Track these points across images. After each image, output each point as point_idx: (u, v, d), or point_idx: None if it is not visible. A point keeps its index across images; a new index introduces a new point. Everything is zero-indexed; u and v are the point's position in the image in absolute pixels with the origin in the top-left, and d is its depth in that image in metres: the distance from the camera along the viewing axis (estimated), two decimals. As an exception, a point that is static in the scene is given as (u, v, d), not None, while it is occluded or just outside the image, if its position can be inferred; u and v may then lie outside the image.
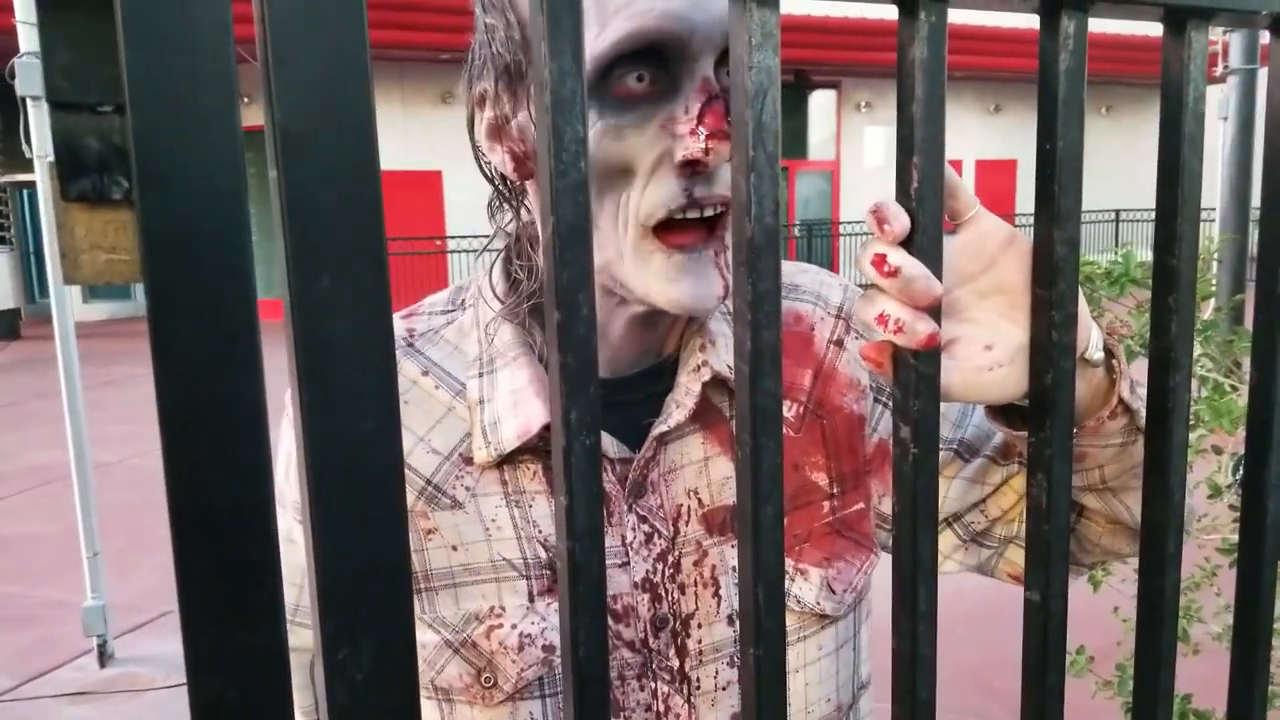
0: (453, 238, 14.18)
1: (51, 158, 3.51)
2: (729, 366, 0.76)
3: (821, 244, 16.49)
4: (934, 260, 0.43)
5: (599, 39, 0.62)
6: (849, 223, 16.32)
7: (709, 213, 0.66)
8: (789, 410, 0.79)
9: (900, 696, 0.45)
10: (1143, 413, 0.67)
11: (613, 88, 0.63)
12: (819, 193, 16.78)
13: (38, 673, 3.74)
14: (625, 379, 0.76)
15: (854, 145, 16.91)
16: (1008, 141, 17.12)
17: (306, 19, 0.30)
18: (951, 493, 0.80)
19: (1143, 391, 0.68)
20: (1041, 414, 0.47)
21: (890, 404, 0.84)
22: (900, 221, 0.43)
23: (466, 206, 13.98)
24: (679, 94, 0.64)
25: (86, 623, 3.78)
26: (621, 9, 0.61)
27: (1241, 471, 1.67)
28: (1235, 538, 1.88)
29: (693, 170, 0.64)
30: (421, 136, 13.90)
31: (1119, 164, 16.52)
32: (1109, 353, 0.58)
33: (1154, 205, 0.50)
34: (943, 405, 0.81)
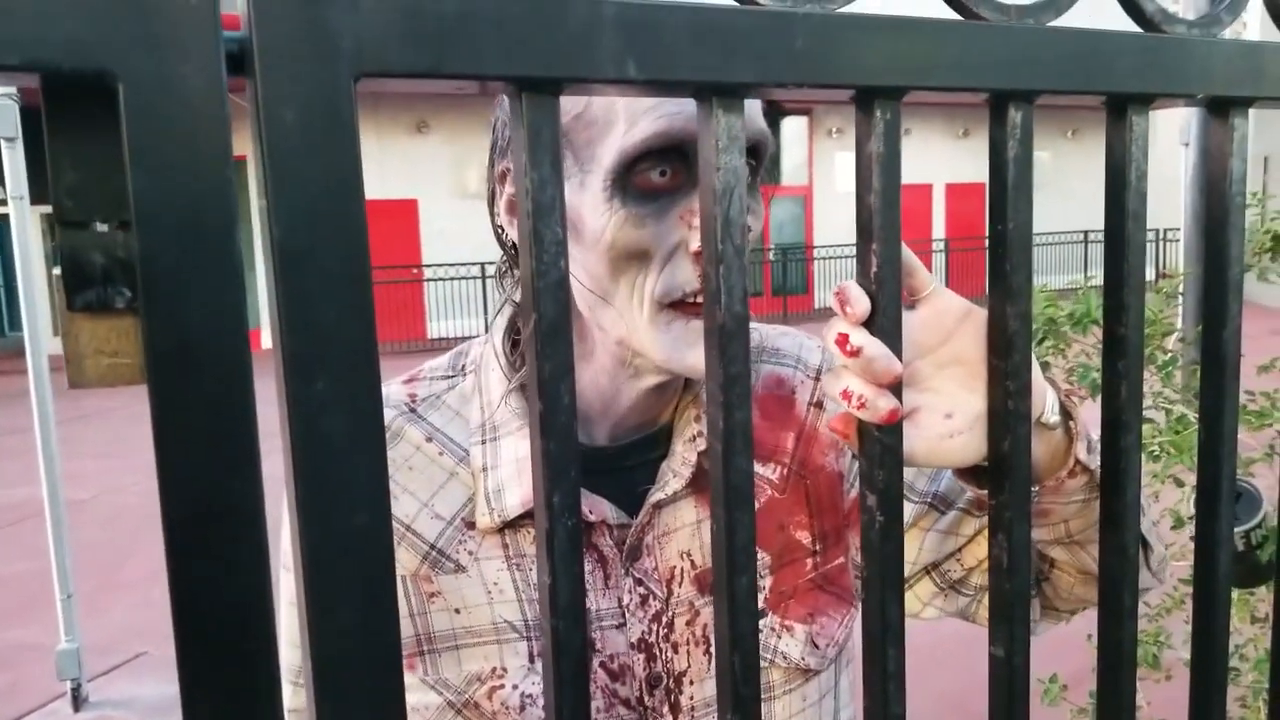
0: (429, 266, 14.18)
1: (27, 199, 3.51)
2: None
3: (796, 268, 16.62)
4: (894, 339, 0.46)
5: (628, 135, 0.67)
6: (822, 246, 16.46)
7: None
8: (773, 472, 0.82)
9: (871, 753, 0.47)
10: (1148, 534, 0.71)
11: (636, 179, 0.68)
12: (793, 217, 16.92)
13: (9, 719, 3.68)
14: (623, 447, 0.79)
15: (826, 170, 17.09)
16: (977, 165, 17.32)
17: (303, 144, 0.32)
18: (928, 543, 0.83)
19: (1150, 512, 0.71)
20: (1000, 478, 0.50)
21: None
22: (861, 304, 0.45)
23: (443, 235, 14.01)
24: (695, 188, 0.68)
25: (60, 666, 3.73)
26: (651, 109, 0.66)
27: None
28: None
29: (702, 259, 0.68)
30: (397, 166, 13.92)
31: (1086, 186, 16.75)
32: (1067, 414, 0.61)
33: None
34: None
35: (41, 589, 4.13)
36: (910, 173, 16.43)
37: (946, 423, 0.55)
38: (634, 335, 0.71)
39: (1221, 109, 0.55)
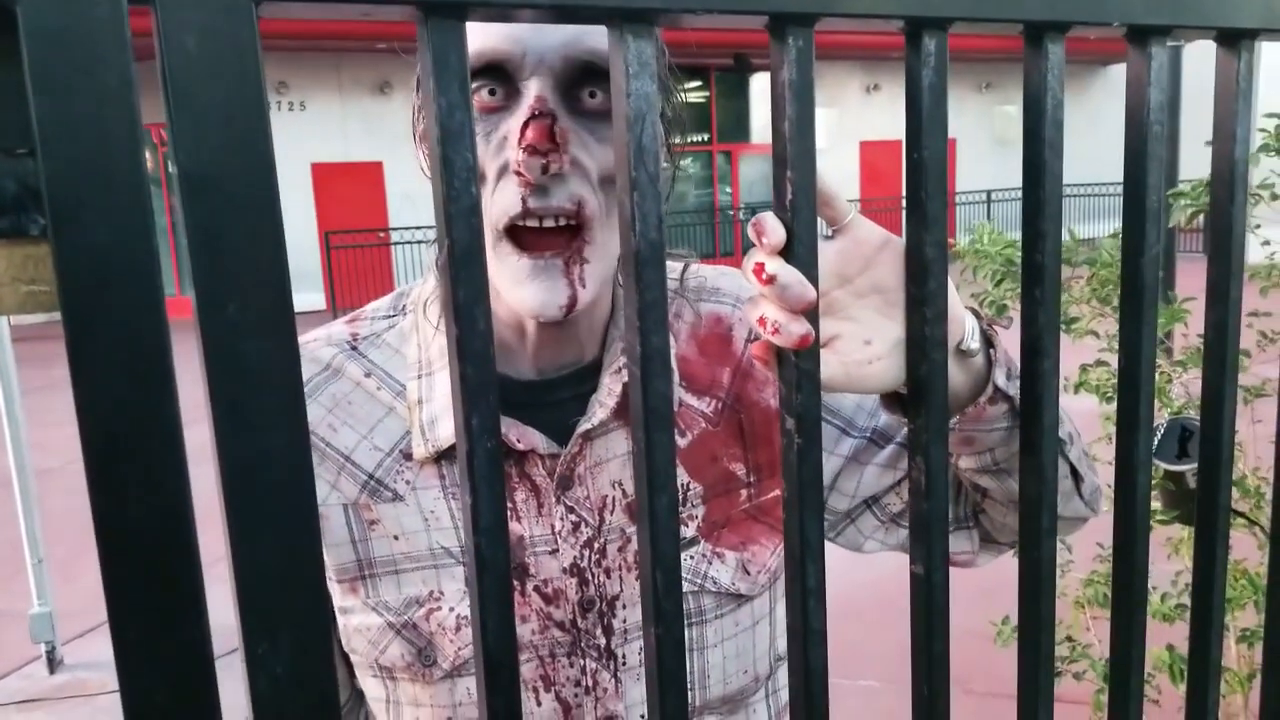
0: (396, 229, 14.06)
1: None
2: None
3: (767, 225, 16.60)
4: (810, 266, 0.47)
5: None
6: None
7: (549, 223, 0.70)
8: (708, 406, 0.84)
9: (794, 666, 0.49)
10: (1079, 464, 0.73)
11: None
12: (762, 175, 16.88)
13: (-16, 683, 3.69)
14: (552, 380, 0.81)
15: (796, 126, 16.98)
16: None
17: (204, 70, 0.32)
18: (867, 477, 0.85)
19: (1071, 430, 0.73)
20: (919, 402, 0.51)
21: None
22: (777, 234, 0.46)
23: (409, 197, 13.86)
24: (519, 110, 0.68)
25: (34, 630, 3.73)
26: (478, 30, 0.67)
27: (1156, 442, 1.73)
28: (1154, 506, 1.96)
29: (524, 182, 0.69)
30: (360, 127, 13.74)
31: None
32: (988, 341, 0.62)
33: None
34: (861, 396, 0.86)
35: (12, 556, 4.11)
36: (890, 129, 16.45)
37: (865, 349, 0.56)
38: (490, 268, 0.72)
39: (1140, 38, 0.56)
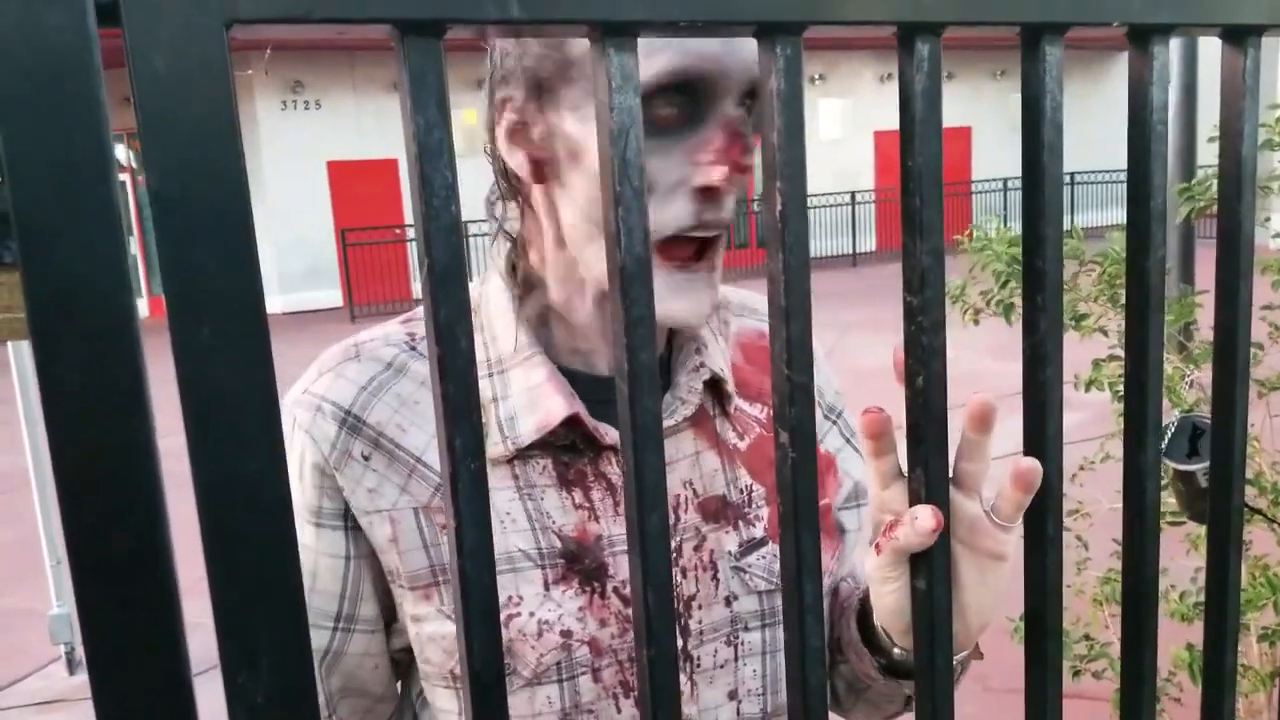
0: (412, 226, 14.08)
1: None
2: (722, 368, 0.84)
3: (781, 218, 16.56)
4: (800, 280, 0.46)
5: (643, 68, 0.67)
6: (809, 195, 16.39)
7: (709, 234, 0.73)
8: (760, 412, 0.87)
9: (793, 683, 0.48)
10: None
11: (646, 113, 0.68)
12: (778, 167, 16.83)
13: (5, 683, 3.72)
14: None
15: (809, 118, 16.98)
16: (962, 109, 17.27)
17: (175, 92, 0.32)
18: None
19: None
20: (916, 414, 0.50)
21: (833, 421, 0.94)
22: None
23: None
24: (703, 125, 0.70)
25: (53, 630, 3.77)
26: (668, 43, 0.68)
27: (1166, 441, 1.71)
28: (1168, 503, 1.94)
29: (705, 196, 0.71)
30: (374, 125, 13.77)
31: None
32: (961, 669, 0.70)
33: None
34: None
35: (30, 556, 4.15)
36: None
37: (898, 572, 0.59)
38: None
39: (1141, 38, 0.55)
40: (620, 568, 0.78)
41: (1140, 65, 0.55)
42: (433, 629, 0.77)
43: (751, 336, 0.89)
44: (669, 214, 0.71)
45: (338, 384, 0.78)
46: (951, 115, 17.13)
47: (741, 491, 0.84)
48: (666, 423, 0.78)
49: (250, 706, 0.35)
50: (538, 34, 0.38)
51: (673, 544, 0.79)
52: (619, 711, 0.78)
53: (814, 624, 0.48)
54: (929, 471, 0.50)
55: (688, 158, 0.70)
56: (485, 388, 0.79)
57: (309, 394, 0.79)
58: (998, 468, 0.76)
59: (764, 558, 0.82)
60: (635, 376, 0.42)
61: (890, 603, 0.62)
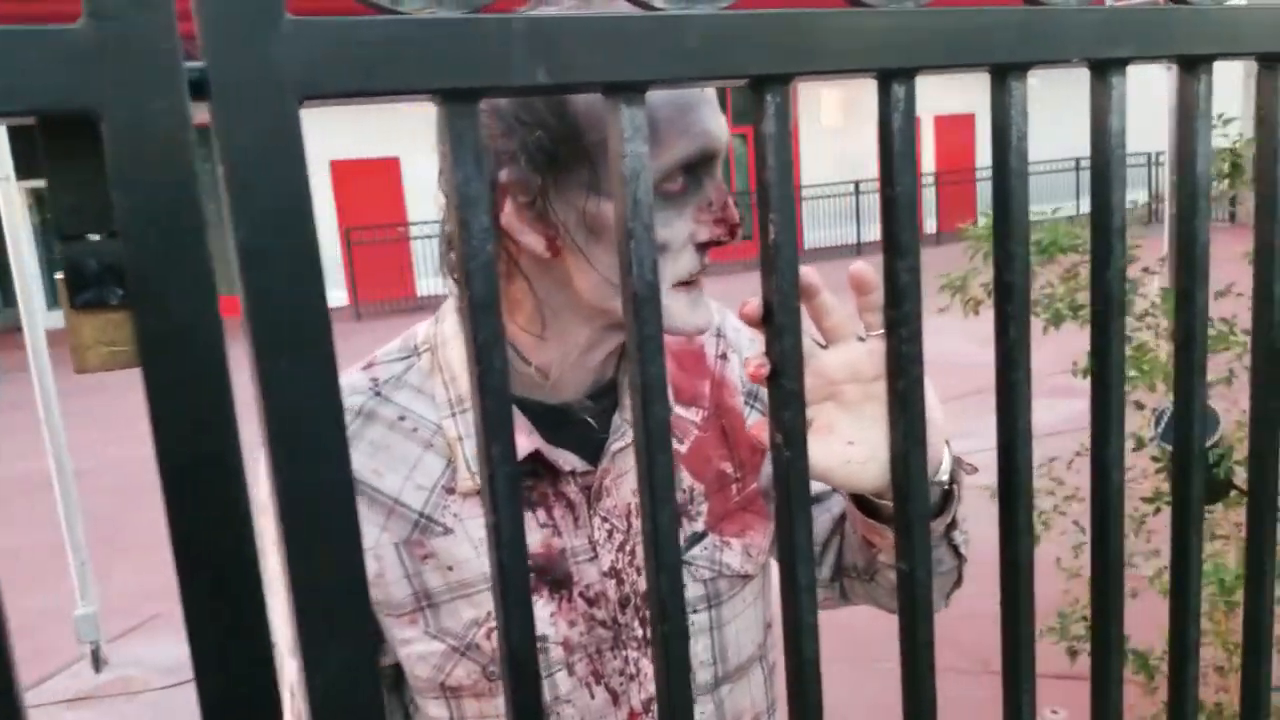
0: (415, 224, 14.15)
1: (13, 178, 3.55)
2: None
3: (785, 209, 16.60)
4: (792, 312, 0.52)
5: (665, 154, 0.76)
6: (810, 186, 16.42)
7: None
8: (696, 415, 0.95)
9: (790, 657, 0.54)
10: (962, 547, 0.86)
11: (659, 187, 0.78)
12: (780, 158, 16.85)
13: (34, 682, 3.81)
14: (571, 401, 0.88)
15: (811, 107, 17.01)
16: (965, 97, 17.23)
17: (257, 161, 0.38)
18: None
19: (966, 527, 0.86)
20: (896, 413, 0.56)
21: (754, 406, 1.01)
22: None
23: (428, 192, 13.93)
24: (701, 189, 0.81)
25: (80, 630, 3.85)
26: (682, 131, 0.77)
27: (1162, 426, 1.77)
28: (1162, 487, 2.00)
29: (708, 248, 0.82)
30: (374, 124, 13.81)
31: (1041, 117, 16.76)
32: (954, 480, 0.72)
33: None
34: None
35: (54, 557, 4.23)
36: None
37: (846, 448, 0.67)
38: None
39: (1100, 70, 0.60)
40: (583, 574, 0.87)
41: (1101, 96, 0.61)
42: (421, 649, 0.85)
43: (682, 341, 0.97)
44: (681, 265, 0.81)
45: None
46: (954, 102, 17.13)
47: (684, 492, 0.92)
48: (618, 444, 0.87)
49: (321, 682, 0.41)
50: (561, 91, 0.44)
51: (628, 547, 0.88)
52: (593, 698, 0.87)
53: (808, 603, 0.54)
54: (909, 466, 0.56)
55: (694, 217, 0.80)
56: (450, 427, 0.85)
57: None
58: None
59: (705, 549, 0.91)
60: (648, 388, 0.48)
61: (854, 477, 0.71)
